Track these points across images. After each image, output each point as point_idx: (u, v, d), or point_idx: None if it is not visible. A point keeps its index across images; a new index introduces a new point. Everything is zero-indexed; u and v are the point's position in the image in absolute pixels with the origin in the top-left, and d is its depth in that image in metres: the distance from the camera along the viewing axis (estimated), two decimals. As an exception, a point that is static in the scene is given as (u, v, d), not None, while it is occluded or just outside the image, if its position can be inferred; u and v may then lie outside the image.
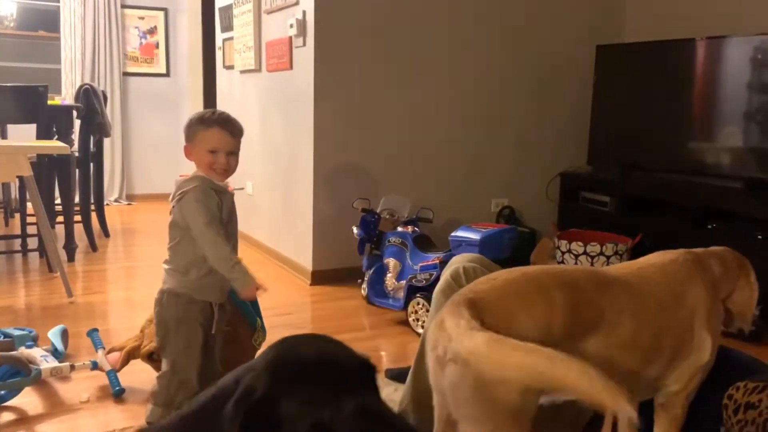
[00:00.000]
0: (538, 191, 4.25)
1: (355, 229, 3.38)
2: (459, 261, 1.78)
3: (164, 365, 1.89)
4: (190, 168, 1.92)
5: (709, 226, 3.35)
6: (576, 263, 3.42)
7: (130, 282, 3.78)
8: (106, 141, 5.79)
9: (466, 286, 1.34)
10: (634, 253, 3.47)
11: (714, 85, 3.51)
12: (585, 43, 4.16)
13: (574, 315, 1.22)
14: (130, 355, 2.27)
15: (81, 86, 4.53)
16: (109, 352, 2.35)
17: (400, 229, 3.29)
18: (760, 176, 3.28)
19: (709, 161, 3.54)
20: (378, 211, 3.41)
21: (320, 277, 3.70)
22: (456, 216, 3.85)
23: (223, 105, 5.18)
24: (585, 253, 3.39)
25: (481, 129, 4.04)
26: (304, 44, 3.65)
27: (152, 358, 2.27)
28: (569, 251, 3.44)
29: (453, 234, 3.02)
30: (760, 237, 3.07)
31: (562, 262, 3.49)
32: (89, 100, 4.40)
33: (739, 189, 3.33)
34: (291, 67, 3.85)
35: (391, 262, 3.21)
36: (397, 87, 3.77)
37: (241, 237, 2.78)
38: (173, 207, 1.85)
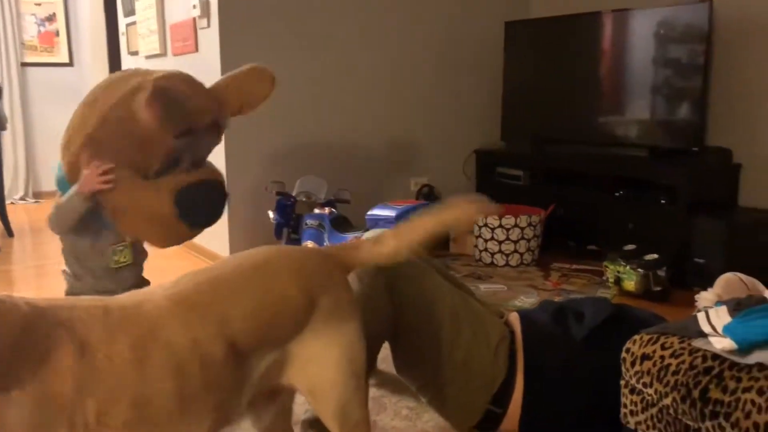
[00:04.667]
0: (455, 169, 4.28)
1: (271, 214, 3.31)
2: None
3: None
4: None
5: (617, 194, 3.45)
6: (492, 236, 3.47)
7: (40, 281, 3.58)
8: (7, 136, 5.49)
9: None
10: (549, 224, 3.56)
11: (620, 58, 3.61)
12: (493, 20, 4.20)
13: None
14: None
15: (-29, 77, 4.25)
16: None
17: (317, 211, 3.25)
18: (663, 145, 3.41)
19: (617, 132, 3.65)
20: (294, 194, 3.35)
21: (238, 264, 3.60)
22: (376, 196, 3.82)
23: (130, 93, 4.96)
24: (500, 226, 3.44)
25: (395, 108, 4.03)
26: (209, 25, 3.53)
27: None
28: (485, 225, 3.49)
29: (369, 213, 3.01)
30: (663, 202, 3.18)
31: (480, 236, 3.53)
32: (-19, 91, 4.14)
33: (644, 157, 3.45)
34: (197, 50, 3.72)
35: (309, 244, 3.16)
36: (307, 67, 3.70)
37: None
38: None
